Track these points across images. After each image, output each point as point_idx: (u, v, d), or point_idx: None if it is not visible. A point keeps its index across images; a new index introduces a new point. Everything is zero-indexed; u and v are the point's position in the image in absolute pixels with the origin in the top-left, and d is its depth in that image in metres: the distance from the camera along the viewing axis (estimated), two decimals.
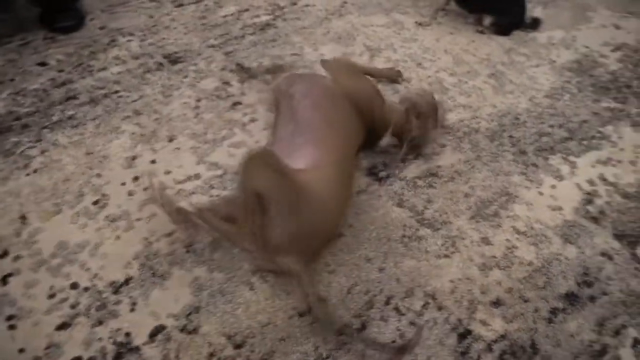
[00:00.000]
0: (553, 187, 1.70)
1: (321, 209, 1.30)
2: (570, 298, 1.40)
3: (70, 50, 2.05)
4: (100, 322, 1.25)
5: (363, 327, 1.28)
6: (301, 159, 1.36)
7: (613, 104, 2.07)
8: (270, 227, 1.23)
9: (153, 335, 1.24)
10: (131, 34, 2.18)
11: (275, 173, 1.22)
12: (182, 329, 1.25)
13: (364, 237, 1.49)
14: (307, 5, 2.49)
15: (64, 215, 1.47)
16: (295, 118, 1.50)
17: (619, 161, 1.82)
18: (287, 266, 1.25)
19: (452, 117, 1.92)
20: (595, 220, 1.60)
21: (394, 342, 1.26)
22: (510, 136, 1.87)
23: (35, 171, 1.58)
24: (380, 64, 2.16)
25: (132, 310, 1.29)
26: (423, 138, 1.72)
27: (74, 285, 1.32)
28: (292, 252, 1.24)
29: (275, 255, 1.26)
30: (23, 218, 1.47)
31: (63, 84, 1.90)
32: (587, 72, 2.24)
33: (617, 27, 2.58)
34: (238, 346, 1.23)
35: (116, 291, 1.32)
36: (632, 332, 1.33)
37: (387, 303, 1.35)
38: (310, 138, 1.45)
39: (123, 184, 1.58)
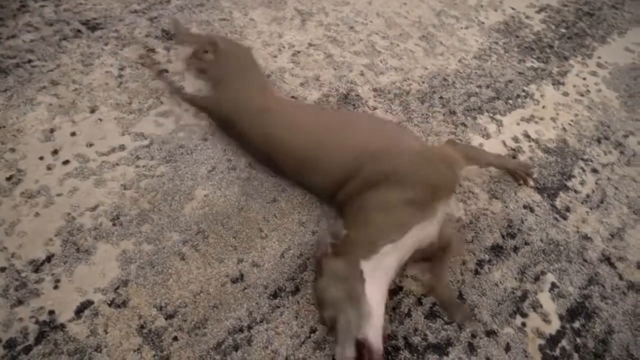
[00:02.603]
0: (481, 145, 1.75)
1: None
2: (496, 250, 1.47)
3: None
4: (20, 302, 1.19)
5: (297, 289, 1.29)
6: None
7: (537, 64, 2.15)
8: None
9: (79, 311, 1.20)
10: None
11: None
12: (111, 303, 1.22)
13: (297, 202, 1.48)
14: None
15: None
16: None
17: (541, 118, 1.90)
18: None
19: (383, 80, 1.93)
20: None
21: None
22: (441, 97, 1.91)
23: None
24: (316, 29, 2.12)
25: (55, 287, 1.23)
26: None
27: None
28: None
29: None
30: None
31: None
32: (513, 33, 2.31)
33: None
34: (170, 316, 1.21)
35: (37, 269, 1.25)
36: (550, 277, 1.41)
37: None
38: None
39: (41, 158, 1.49)
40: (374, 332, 1.05)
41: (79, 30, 1.93)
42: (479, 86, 1.99)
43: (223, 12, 2.13)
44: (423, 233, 1.23)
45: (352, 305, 1.07)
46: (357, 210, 1.25)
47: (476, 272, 1.40)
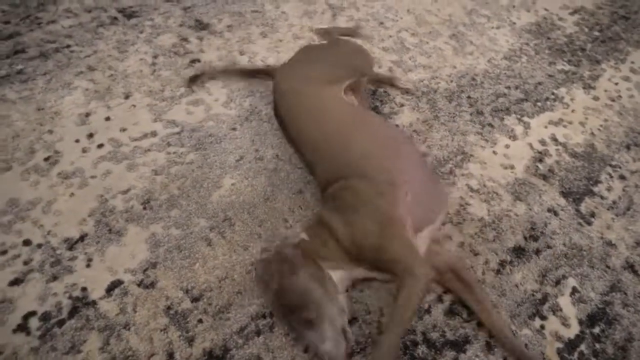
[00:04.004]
0: (507, 146, 1.75)
1: None
2: (518, 251, 1.47)
3: (16, 1, 1.95)
4: (55, 278, 1.24)
5: None
6: None
7: (567, 67, 2.13)
8: None
9: (110, 290, 1.25)
10: None
11: None
12: (139, 284, 1.26)
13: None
14: None
15: (14, 172, 1.43)
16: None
17: (570, 122, 1.88)
18: None
19: (411, 77, 1.93)
20: (544, 178, 1.67)
21: None
22: (468, 97, 1.90)
23: None
24: (346, 24, 2.13)
25: (88, 266, 1.28)
26: None
27: (27, 242, 1.30)
28: None
29: None
30: None
31: (10, 36, 1.81)
32: (545, 35, 2.28)
33: None
34: (195, 299, 1.25)
35: (71, 247, 1.30)
36: (571, 282, 1.41)
37: None
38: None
39: (77, 140, 1.54)
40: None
41: (115, 18, 1.98)
42: (508, 87, 1.98)
43: (255, 4, 2.15)
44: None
45: (332, 303, 1.13)
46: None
47: (497, 272, 1.41)
